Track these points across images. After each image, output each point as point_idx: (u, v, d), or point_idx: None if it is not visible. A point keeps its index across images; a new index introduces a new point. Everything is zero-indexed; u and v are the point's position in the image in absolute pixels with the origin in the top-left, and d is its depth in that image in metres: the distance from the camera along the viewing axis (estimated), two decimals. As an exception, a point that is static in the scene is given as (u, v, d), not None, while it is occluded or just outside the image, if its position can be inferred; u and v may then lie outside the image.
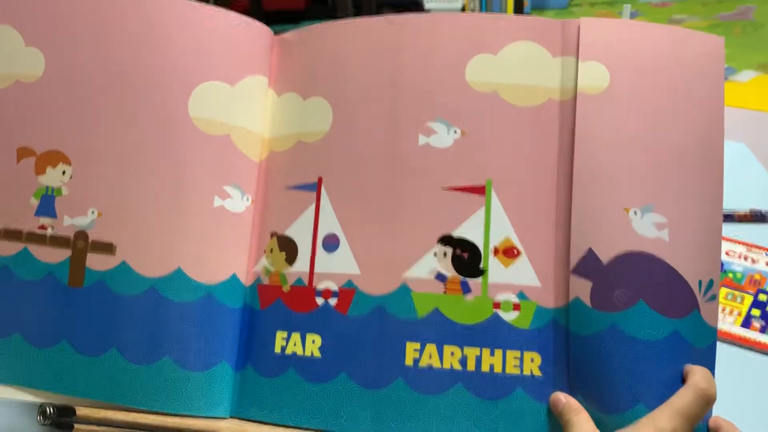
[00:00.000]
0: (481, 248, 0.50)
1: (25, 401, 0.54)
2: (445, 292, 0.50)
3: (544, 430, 0.47)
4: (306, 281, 0.53)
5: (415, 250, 0.51)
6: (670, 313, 0.46)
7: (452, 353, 0.49)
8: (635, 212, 0.47)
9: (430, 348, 0.49)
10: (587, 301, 0.47)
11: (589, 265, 0.47)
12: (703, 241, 0.47)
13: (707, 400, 0.43)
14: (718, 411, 0.46)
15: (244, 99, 0.56)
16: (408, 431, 0.49)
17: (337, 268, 0.53)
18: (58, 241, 0.55)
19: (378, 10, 3.15)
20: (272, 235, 0.55)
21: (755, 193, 0.93)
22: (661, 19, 3.28)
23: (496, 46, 0.53)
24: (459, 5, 3.44)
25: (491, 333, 0.49)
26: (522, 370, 0.48)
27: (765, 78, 2.63)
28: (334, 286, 0.52)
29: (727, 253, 0.82)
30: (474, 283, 0.50)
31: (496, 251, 0.50)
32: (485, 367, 0.48)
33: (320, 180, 0.54)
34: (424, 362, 0.49)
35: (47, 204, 0.55)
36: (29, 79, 0.56)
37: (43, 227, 0.55)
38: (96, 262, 0.54)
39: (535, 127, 0.51)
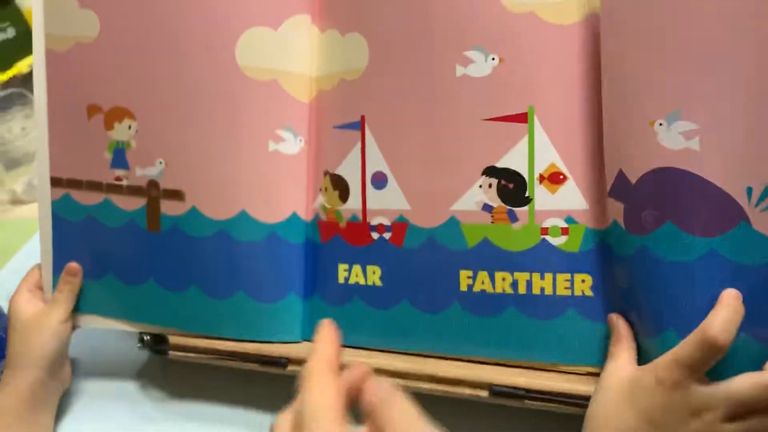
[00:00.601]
0: (526, 177, 0.49)
1: (126, 330, 0.61)
2: (492, 222, 0.50)
3: (598, 349, 0.48)
4: (360, 217, 0.55)
5: (461, 183, 0.51)
6: (703, 231, 0.42)
7: (503, 279, 0.50)
8: (660, 123, 0.42)
9: (482, 275, 0.50)
10: (622, 223, 0.45)
11: (621, 187, 0.45)
12: (754, 141, 0.41)
13: (714, 350, 0.38)
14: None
15: (288, 42, 0.56)
16: (467, 350, 0.51)
17: (387, 204, 0.54)
18: (133, 191, 0.59)
19: None
20: (325, 173, 0.57)
21: None
22: None
23: None
24: None
25: (540, 258, 0.49)
26: (573, 291, 0.48)
27: None
28: (386, 221, 0.54)
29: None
30: (521, 211, 0.50)
31: (541, 178, 0.49)
32: (536, 290, 0.49)
33: (363, 118, 0.55)
34: (477, 288, 0.50)
35: (119, 157, 0.59)
36: (87, 40, 0.58)
37: (118, 179, 0.59)
38: (169, 208, 0.58)
39: (575, 45, 0.48)
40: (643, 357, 0.45)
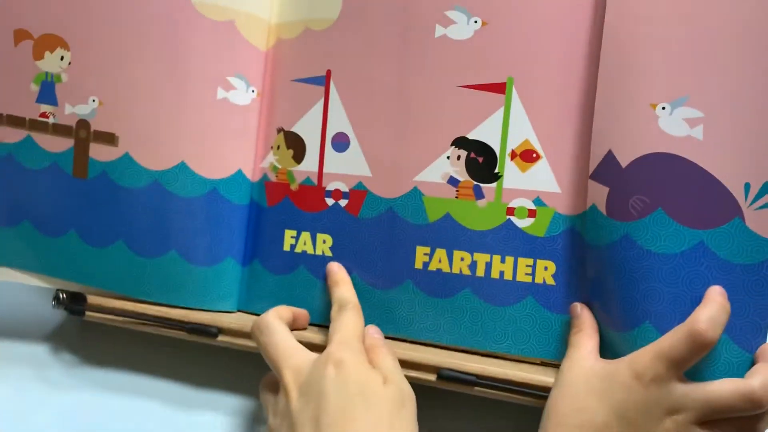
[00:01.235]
0: (497, 152, 0.47)
1: (40, 286, 0.55)
2: (456, 197, 0.48)
3: (555, 339, 0.46)
4: (315, 181, 0.51)
5: (428, 152, 0.48)
6: (695, 222, 0.41)
7: (462, 258, 0.47)
8: (663, 107, 0.41)
9: (440, 253, 0.48)
10: (602, 208, 0.43)
11: (607, 169, 0.43)
12: (757, 138, 0.40)
13: (701, 345, 0.38)
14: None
15: (250, -21, 0.52)
16: (416, 332, 0.48)
17: (347, 168, 0.51)
18: (60, 130, 0.53)
19: None
20: (279, 130, 0.53)
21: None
22: None
23: None
24: None
25: (503, 240, 0.47)
26: (534, 278, 0.46)
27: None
28: (344, 188, 0.51)
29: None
30: (487, 188, 0.47)
31: (513, 155, 0.47)
32: (495, 274, 0.47)
33: (329, 73, 0.51)
34: (433, 266, 0.48)
35: (48, 91, 0.53)
36: (20, -45, 0.52)
37: (44, 115, 0.53)
38: (99, 152, 0.52)
39: (565, 16, 0.46)
40: (608, 351, 0.43)
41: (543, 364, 0.46)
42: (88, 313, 0.53)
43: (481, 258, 0.47)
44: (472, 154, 0.47)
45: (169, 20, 0.51)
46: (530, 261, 0.46)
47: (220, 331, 0.50)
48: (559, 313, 0.46)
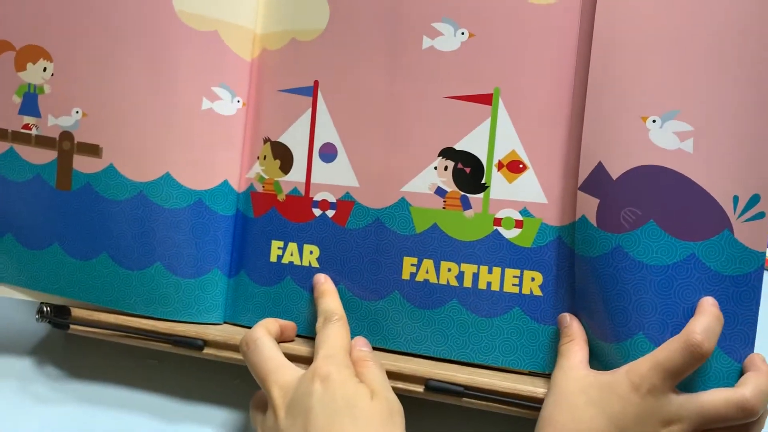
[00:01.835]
0: (484, 162, 0.47)
1: (23, 300, 0.55)
2: (444, 208, 0.48)
3: (542, 350, 0.46)
4: (302, 191, 0.51)
5: (415, 163, 0.48)
6: (686, 234, 0.41)
7: (449, 269, 0.47)
8: (653, 120, 0.42)
9: (427, 263, 0.48)
10: (593, 220, 0.43)
11: (597, 181, 0.43)
12: (745, 151, 0.41)
13: (697, 356, 0.38)
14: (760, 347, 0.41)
15: (234, -10, 0.52)
16: (403, 344, 0.48)
17: (334, 179, 0.50)
18: (43, 142, 0.53)
19: None
20: (265, 140, 0.52)
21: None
22: None
23: None
24: None
25: (490, 250, 0.47)
26: (521, 289, 0.46)
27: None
28: (331, 198, 0.50)
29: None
30: (475, 198, 0.47)
31: (500, 165, 0.47)
32: (482, 285, 0.47)
33: (316, 84, 0.51)
34: (420, 277, 0.48)
35: (30, 102, 0.53)
36: (4, -31, 0.52)
37: (27, 127, 0.53)
38: (83, 164, 0.52)
39: (553, 27, 0.46)
40: (597, 361, 0.43)
41: (531, 374, 0.46)
42: (72, 326, 0.52)
43: (469, 269, 0.47)
44: (460, 165, 0.47)
45: (152, 30, 0.50)
46: (517, 272, 0.46)
47: (206, 343, 0.50)
48: (546, 324, 0.46)
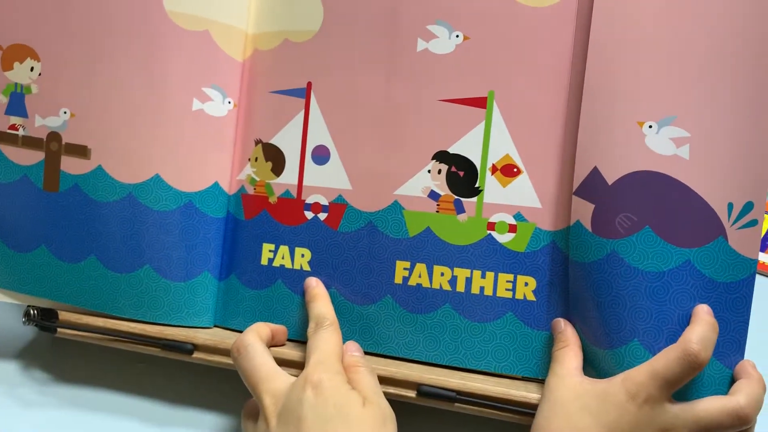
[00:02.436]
0: (478, 166, 0.46)
1: (10, 302, 0.54)
2: (437, 211, 0.47)
3: (535, 356, 0.46)
4: (294, 194, 0.51)
5: (408, 166, 0.48)
6: (682, 241, 0.41)
7: (442, 274, 0.47)
8: (650, 126, 0.41)
9: (420, 267, 0.47)
10: (588, 225, 0.43)
11: (592, 186, 0.43)
12: (740, 158, 0.41)
13: (694, 366, 0.38)
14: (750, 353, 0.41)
15: (226, -10, 0.51)
16: (395, 348, 0.48)
17: (327, 181, 0.50)
18: (30, 142, 0.52)
19: None
20: (257, 142, 0.52)
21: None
22: None
23: None
24: None
25: (483, 255, 0.46)
26: (515, 294, 0.46)
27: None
28: (324, 201, 0.50)
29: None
30: (468, 202, 0.47)
31: (494, 169, 0.46)
32: (475, 289, 0.46)
33: (309, 85, 0.50)
34: (413, 281, 0.47)
35: (17, 102, 0.52)
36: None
37: (14, 127, 0.52)
38: (71, 165, 0.51)
39: (548, 30, 0.45)
40: (590, 367, 0.43)
41: (524, 379, 0.46)
42: (59, 329, 0.51)
43: (462, 273, 0.47)
44: (453, 168, 0.47)
45: (142, 30, 0.49)
46: (510, 276, 0.46)
47: (196, 347, 0.49)
48: (539, 330, 0.45)
